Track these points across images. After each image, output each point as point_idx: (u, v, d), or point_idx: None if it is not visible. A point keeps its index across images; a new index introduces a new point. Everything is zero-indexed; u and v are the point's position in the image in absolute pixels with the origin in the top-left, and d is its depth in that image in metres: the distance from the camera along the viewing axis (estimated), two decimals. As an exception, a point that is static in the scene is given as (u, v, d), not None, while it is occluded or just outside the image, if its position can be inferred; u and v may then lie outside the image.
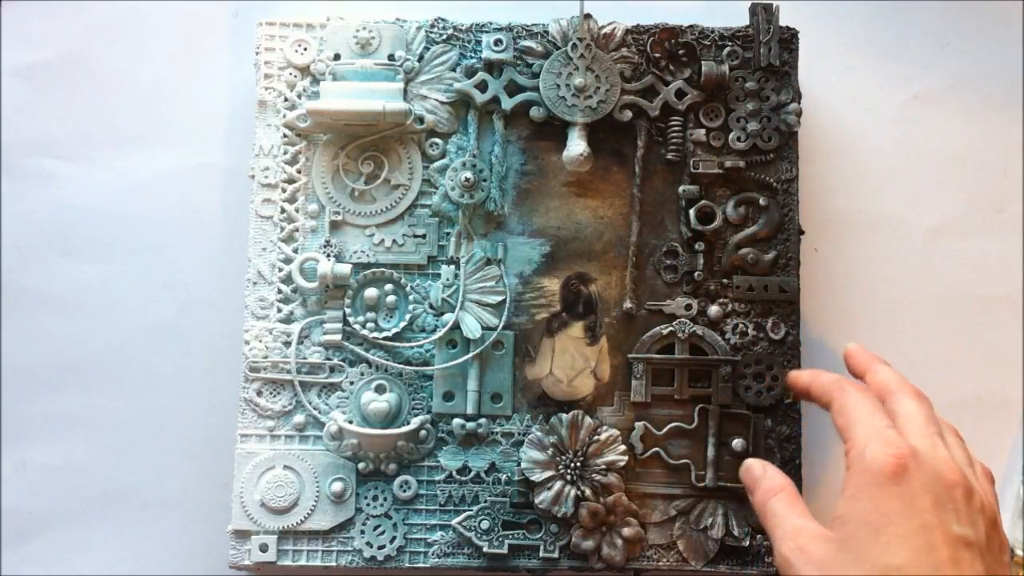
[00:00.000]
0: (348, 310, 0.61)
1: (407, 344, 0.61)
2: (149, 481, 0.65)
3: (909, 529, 0.44)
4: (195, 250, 0.67)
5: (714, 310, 0.62)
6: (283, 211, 0.62)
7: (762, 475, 0.52)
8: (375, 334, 0.61)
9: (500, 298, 0.62)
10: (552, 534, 0.60)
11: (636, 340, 0.62)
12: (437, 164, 0.62)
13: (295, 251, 0.62)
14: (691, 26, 0.63)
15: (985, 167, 0.69)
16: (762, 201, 0.62)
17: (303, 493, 0.60)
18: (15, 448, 0.66)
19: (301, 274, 0.61)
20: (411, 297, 0.62)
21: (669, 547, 0.60)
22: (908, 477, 0.45)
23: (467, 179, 0.61)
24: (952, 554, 0.43)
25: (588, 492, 0.59)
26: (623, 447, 0.60)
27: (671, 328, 0.62)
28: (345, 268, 0.61)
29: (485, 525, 0.60)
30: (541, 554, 0.59)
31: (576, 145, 0.61)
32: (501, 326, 0.61)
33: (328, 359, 0.61)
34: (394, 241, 0.62)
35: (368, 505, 0.60)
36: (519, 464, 0.60)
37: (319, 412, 0.61)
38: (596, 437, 0.60)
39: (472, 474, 0.60)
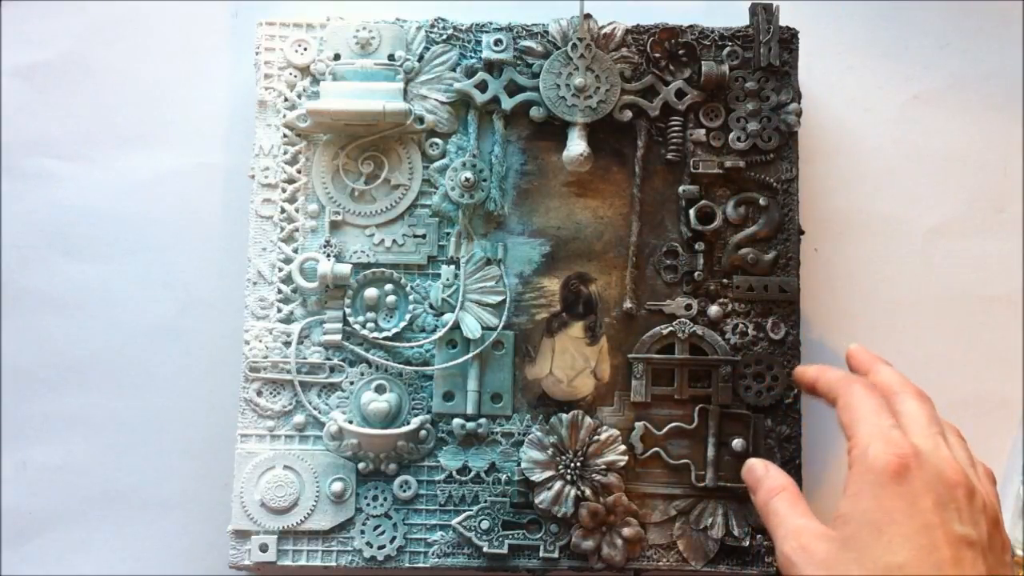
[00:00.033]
0: (348, 310, 0.61)
1: (407, 344, 0.61)
2: (149, 481, 0.65)
3: (911, 528, 0.44)
4: (195, 250, 0.67)
5: (714, 310, 0.62)
6: (283, 211, 0.62)
7: (764, 475, 0.52)
8: (375, 334, 0.61)
9: (500, 298, 0.62)
10: (552, 534, 0.60)
11: (636, 340, 0.62)
12: (437, 164, 0.62)
13: (295, 251, 0.62)
14: (691, 26, 0.63)
15: (985, 167, 0.69)
16: (762, 201, 0.62)
17: (303, 493, 0.60)
18: (15, 448, 0.66)
19: (301, 274, 0.61)
20: (411, 297, 0.62)
21: (669, 547, 0.60)
22: (910, 477, 0.45)
23: (467, 179, 0.61)
24: (954, 553, 0.43)
25: (588, 492, 0.59)
26: (623, 447, 0.60)
27: (671, 328, 0.62)
28: (345, 268, 0.61)
29: (485, 525, 0.60)
30: (541, 554, 0.59)
31: (576, 145, 0.61)
32: (501, 326, 0.61)
33: (328, 359, 0.61)
34: (394, 241, 0.62)
35: (368, 505, 0.60)
36: (519, 464, 0.60)
37: (319, 412, 0.61)
38: (596, 437, 0.60)
39: (472, 474, 0.60)
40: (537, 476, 0.59)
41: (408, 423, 0.60)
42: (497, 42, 0.62)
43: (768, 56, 0.63)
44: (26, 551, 0.65)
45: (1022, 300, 0.68)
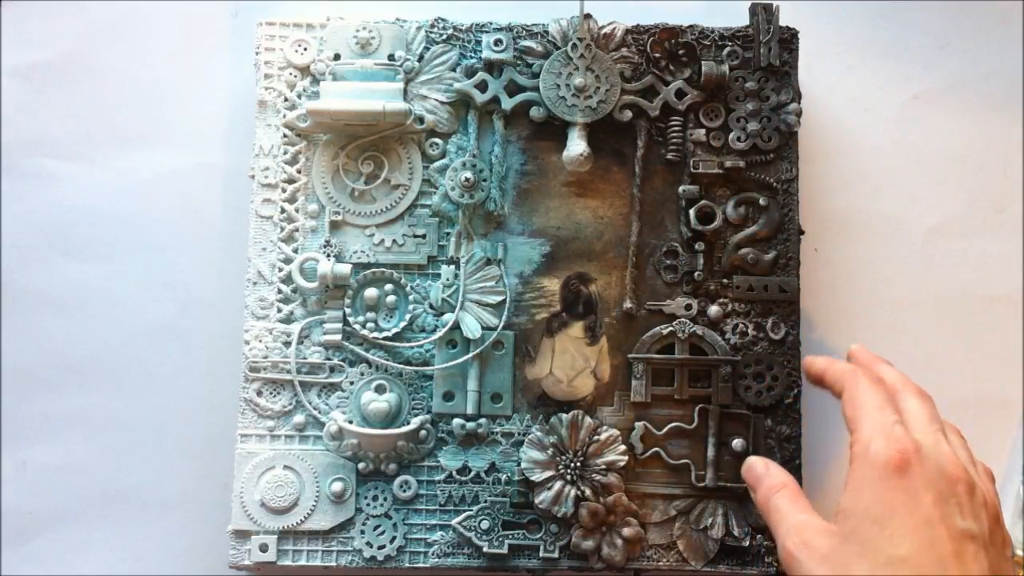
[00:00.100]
0: (348, 310, 0.61)
1: (407, 344, 0.61)
2: (149, 481, 0.65)
3: (913, 522, 0.44)
4: (195, 250, 0.67)
5: (714, 310, 0.62)
6: (283, 211, 0.62)
7: (764, 473, 0.53)
8: (375, 334, 0.61)
9: (500, 298, 0.62)
10: (552, 534, 0.60)
11: (636, 340, 0.62)
12: (437, 164, 0.62)
13: (295, 251, 0.62)
14: (691, 26, 0.63)
15: (985, 167, 0.69)
16: (762, 201, 0.62)
17: (303, 493, 0.60)
18: (15, 448, 0.66)
19: (301, 274, 0.61)
20: (411, 297, 0.62)
21: (669, 547, 0.60)
22: (911, 472, 0.45)
23: (467, 179, 0.61)
24: (956, 547, 0.44)
25: (588, 492, 0.59)
26: (623, 447, 0.60)
27: (671, 328, 0.62)
28: (345, 268, 0.61)
29: (485, 525, 0.60)
30: (541, 554, 0.59)
31: (576, 145, 0.61)
32: (501, 326, 0.61)
33: (328, 359, 0.61)
34: (394, 241, 0.62)
35: (368, 505, 0.60)
36: (519, 464, 0.60)
37: (319, 412, 0.61)
38: (596, 437, 0.60)
39: (472, 474, 0.60)
40: (537, 476, 0.59)
41: (408, 423, 0.60)
42: (497, 42, 0.62)
43: (768, 56, 0.63)
44: (26, 551, 0.65)
45: (1022, 300, 0.68)
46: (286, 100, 0.63)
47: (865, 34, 0.69)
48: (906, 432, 0.47)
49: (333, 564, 0.60)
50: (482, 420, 0.61)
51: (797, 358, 0.61)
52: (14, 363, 0.66)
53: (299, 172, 0.63)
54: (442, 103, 0.63)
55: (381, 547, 0.59)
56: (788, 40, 0.63)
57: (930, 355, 0.67)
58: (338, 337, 0.61)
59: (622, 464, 0.60)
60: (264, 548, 0.59)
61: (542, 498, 0.59)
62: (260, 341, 0.61)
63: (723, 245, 0.62)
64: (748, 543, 0.60)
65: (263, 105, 0.63)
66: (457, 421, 0.60)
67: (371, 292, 0.61)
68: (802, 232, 0.63)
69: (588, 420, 0.60)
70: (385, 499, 0.60)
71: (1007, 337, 0.67)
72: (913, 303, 0.68)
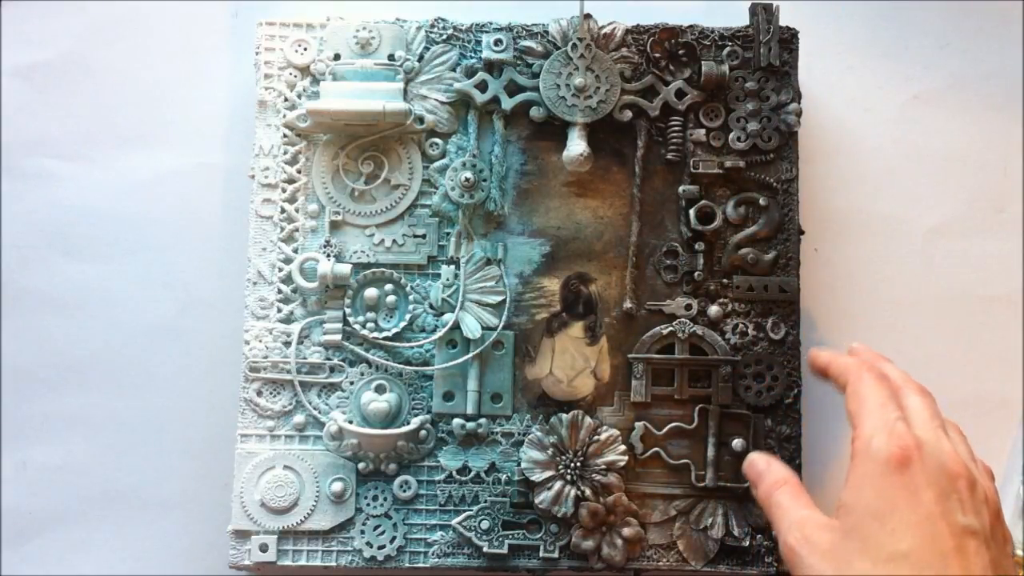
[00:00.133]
0: (348, 310, 0.61)
1: (407, 344, 0.61)
2: (149, 481, 0.65)
3: (914, 518, 0.44)
4: (195, 250, 0.67)
5: (714, 310, 0.62)
6: (283, 211, 0.62)
7: (766, 469, 0.53)
8: (375, 334, 0.61)
9: (500, 298, 0.62)
10: (552, 534, 0.60)
11: (636, 340, 0.62)
12: (437, 164, 0.62)
13: (295, 251, 0.62)
14: (691, 26, 0.63)
15: (985, 167, 0.69)
16: (762, 201, 0.62)
17: (303, 493, 0.60)
18: (15, 448, 0.66)
19: (301, 274, 0.61)
20: (411, 297, 0.62)
21: (669, 547, 0.60)
22: (912, 468, 0.45)
23: (467, 179, 0.61)
24: (958, 543, 0.44)
25: (588, 492, 0.59)
26: (623, 447, 0.60)
27: (671, 328, 0.62)
28: (345, 268, 0.61)
29: (485, 525, 0.60)
30: (541, 554, 0.59)
31: (576, 145, 0.61)
32: (501, 326, 0.61)
33: (328, 359, 0.61)
34: (394, 241, 0.62)
35: (368, 505, 0.60)
36: (519, 464, 0.60)
37: (319, 412, 0.61)
38: (596, 437, 0.60)
39: (472, 474, 0.60)
40: (537, 476, 0.59)
41: (408, 423, 0.60)
42: (497, 42, 0.62)
43: (768, 56, 0.63)
44: (26, 551, 0.65)
45: (1022, 300, 0.68)
46: (286, 100, 0.63)
47: (865, 34, 0.69)
48: (908, 429, 0.47)
49: (333, 564, 0.60)
50: (482, 420, 0.61)
51: (797, 358, 0.61)
52: (14, 363, 0.66)
53: (299, 172, 0.63)
54: (442, 103, 0.63)
55: (381, 547, 0.59)
56: (788, 40, 0.63)
57: (930, 355, 0.67)
58: (338, 337, 0.61)
59: (622, 464, 0.60)
60: (264, 548, 0.59)
61: (542, 498, 0.59)
62: (260, 341, 0.61)
63: (723, 245, 0.62)
64: (748, 543, 0.60)
65: (263, 105, 0.63)
66: (457, 421, 0.60)
67: (371, 292, 0.61)
68: (802, 232, 0.63)
69: (588, 420, 0.60)
70: (385, 499, 0.60)
71: (1007, 337, 0.67)
72: (913, 303, 0.68)
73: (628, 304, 0.62)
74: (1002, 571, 0.45)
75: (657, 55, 0.63)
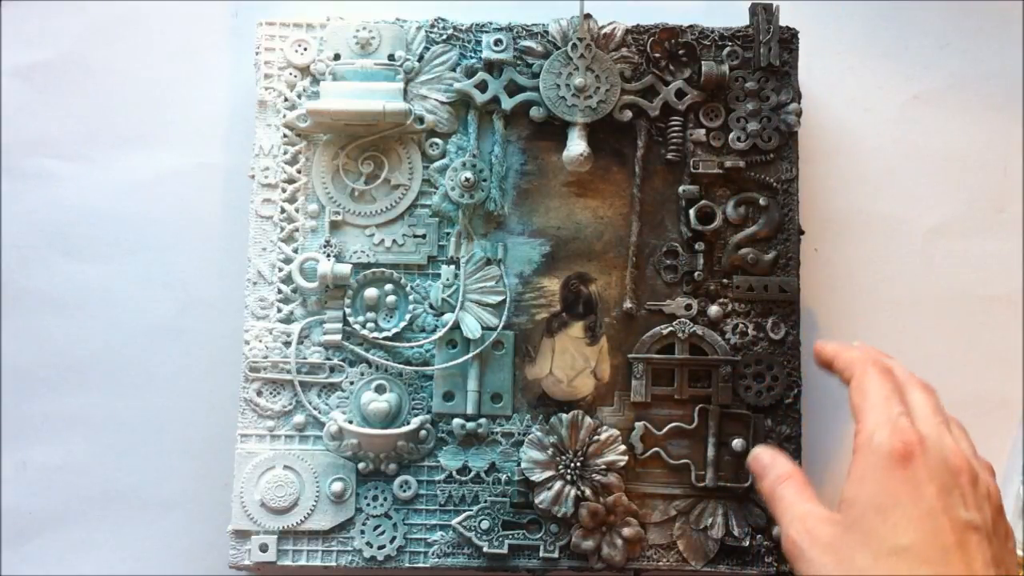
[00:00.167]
0: (348, 310, 0.61)
1: (407, 344, 0.61)
2: (149, 481, 0.65)
3: (916, 513, 0.44)
4: (195, 250, 0.67)
5: (714, 310, 0.62)
6: (283, 211, 0.62)
7: (771, 463, 0.53)
8: (375, 334, 0.61)
9: (500, 298, 0.62)
10: (552, 534, 0.60)
11: (636, 340, 0.62)
12: (437, 164, 0.62)
13: (295, 251, 0.62)
14: (691, 26, 0.63)
15: (985, 167, 0.69)
16: (762, 201, 0.62)
17: (303, 493, 0.60)
18: (15, 448, 0.66)
19: (301, 274, 0.61)
20: (411, 297, 0.62)
21: (669, 547, 0.60)
22: (914, 463, 0.45)
23: (467, 179, 0.61)
24: (959, 538, 0.44)
25: (588, 492, 0.59)
26: (623, 447, 0.60)
27: (671, 328, 0.62)
28: (345, 268, 0.61)
29: (485, 525, 0.60)
30: (541, 554, 0.59)
31: (576, 145, 0.61)
32: (501, 326, 0.61)
33: (328, 359, 0.61)
34: (394, 241, 0.62)
35: (368, 505, 0.60)
36: (519, 464, 0.60)
37: (319, 412, 0.61)
38: (596, 437, 0.60)
39: (472, 474, 0.60)
40: (537, 476, 0.59)
41: (408, 423, 0.60)
42: (497, 42, 0.62)
43: (768, 56, 0.63)
44: (26, 551, 0.65)
45: (1022, 300, 0.68)
46: (286, 100, 0.63)
47: (865, 34, 0.69)
48: (910, 424, 0.47)
49: (333, 564, 0.60)
50: (482, 420, 0.61)
51: (797, 358, 0.61)
52: (14, 363, 0.66)
53: (299, 172, 0.63)
54: (442, 103, 0.63)
55: (381, 547, 0.59)
56: (788, 40, 0.63)
57: (930, 355, 0.67)
58: (338, 337, 0.61)
59: (622, 464, 0.60)
60: (264, 548, 0.59)
61: (542, 498, 0.59)
62: (260, 341, 0.61)
63: (723, 245, 0.62)
64: (748, 543, 0.60)
65: (263, 105, 0.63)
66: (457, 421, 0.60)
67: (371, 292, 0.61)
68: (802, 232, 0.63)
69: (588, 420, 0.60)
70: (385, 499, 0.60)
71: (1007, 337, 0.67)
72: (913, 303, 0.68)
73: (628, 304, 0.62)
74: (1003, 566, 0.45)
75: (657, 55, 0.63)
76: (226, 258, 0.66)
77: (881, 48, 0.69)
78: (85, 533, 0.65)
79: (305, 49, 0.63)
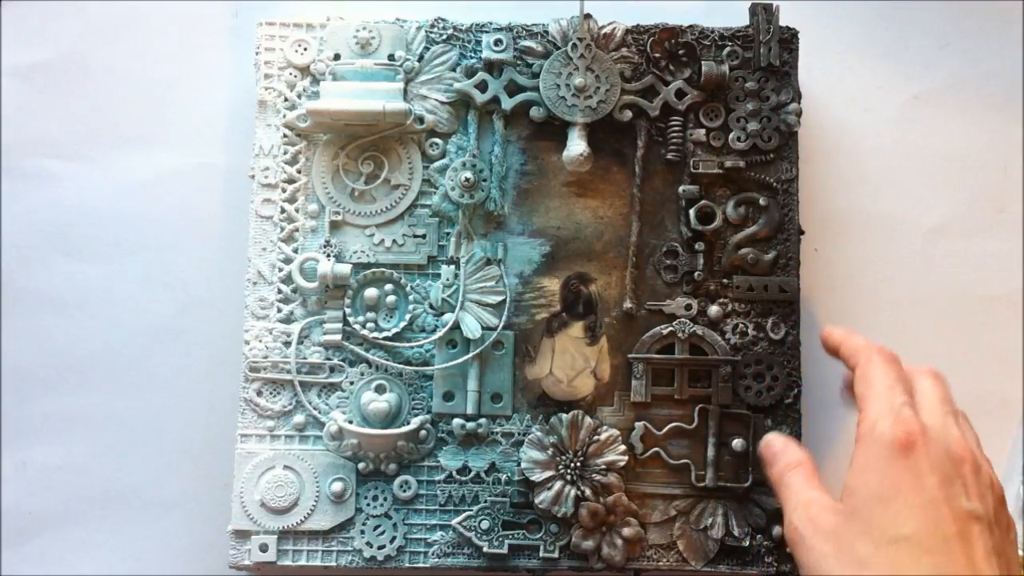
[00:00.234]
0: (348, 310, 0.61)
1: (407, 344, 0.61)
2: (149, 481, 0.65)
3: (917, 502, 0.44)
4: (195, 250, 0.67)
5: (714, 310, 0.62)
6: (283, 211, 0.62)
7: (782, 450, 0.53)
8: (375, 334, 0.61)
9: (500, 298, 0.62)
10: (552, 534, 0.60)
11: (636, 340, 0.62)
12: (437, 164, 0.62)
13: (295, 251, 0.62)
14: (691, 26, 0.63)
15: (985, 167, 0.69)
16: (762, 201, 0.62)
17: (303, 493, 0.60)
18: (15, 448, 0.66)
19: (301, 274, 0.61)
20: (411, 297, 0.62)
21: (669, 547, 0.60)
22: (916, 453, 0.45)
23: (467, 179, 0.61)
24: (961, 528, 0.44)
25: (588, 492, 0.59)
26: (623, 447, 0.60)
27: (671, 328, 0.62)
28: (345, 268, 0.61)
29: (485, 525, 0.60)
30: (541, 554, 0.59)
31: (576, 145, 0.61)
32: (501, 326, 0.61)
33: (328, 359, 0.61)
34: (394, 241, 0.62)
35: (368, 505, 0.60)
36: (519, 464, 0.60)
37: (319, 412, 0.61)
38: (596, 437, 0.60)
39: (472, 474, 0.60)
40: (537, 476, 0.59)
41: (408, 423, 0.60)
42: (497, 42, 0.62)
43: (768, 56, 0.63)
44: (26, 551, 0.65)
45: (1022, 300, 0.68)
46: (286, 100, 0.63)
47: (865, 34, 0.69)
48: (913, 413, 0.47)
49: (333, 564, 0.60)
50: (482, 420, 0.61)
51: (797, 358, 0.61)
52: (14, 363, 0.66)
53: (299, 172, 0.63)
54: (442, 103, 0.63)
55: (381, 547, 0.59)
56: (788, 40, 0.63)
57: (930, 355, 0.66)
58: (338, 337, 0.61)
59: (622, 464, 0.60)
60: (264, 548, 0.59)
61: (542, 498, 0.59)
62: (260, 341, 0.61)
63: (723, 245, 0.62)
64: (748, 543, 0.60)
65: (263, 105, 0.63)
66: (457, 421, 0.60)
67: (371, 292, 0.61)
68: (802, 232, 0.63)
69: (588, 420, 0.60)
70: (385, 499, 0.60)
71: (1007, 337, 0.67)
72: (913, 303, 0.67)
73: (628, 304, 0.62)
74: (1005, 556, 0.45)
75: (657, 55, 0.63)
76: (226, 258, 0.66)
77: (881, 48, 0.69)
78: (85, 533, 0.65)
79: (305, 49, 0.63)
